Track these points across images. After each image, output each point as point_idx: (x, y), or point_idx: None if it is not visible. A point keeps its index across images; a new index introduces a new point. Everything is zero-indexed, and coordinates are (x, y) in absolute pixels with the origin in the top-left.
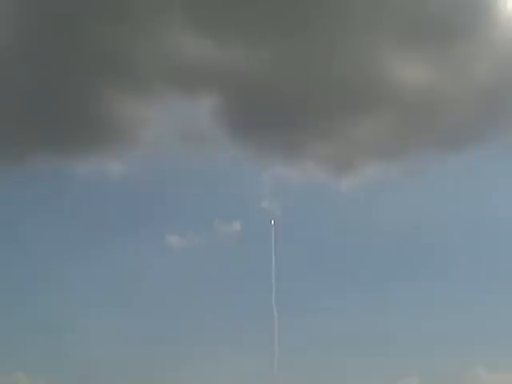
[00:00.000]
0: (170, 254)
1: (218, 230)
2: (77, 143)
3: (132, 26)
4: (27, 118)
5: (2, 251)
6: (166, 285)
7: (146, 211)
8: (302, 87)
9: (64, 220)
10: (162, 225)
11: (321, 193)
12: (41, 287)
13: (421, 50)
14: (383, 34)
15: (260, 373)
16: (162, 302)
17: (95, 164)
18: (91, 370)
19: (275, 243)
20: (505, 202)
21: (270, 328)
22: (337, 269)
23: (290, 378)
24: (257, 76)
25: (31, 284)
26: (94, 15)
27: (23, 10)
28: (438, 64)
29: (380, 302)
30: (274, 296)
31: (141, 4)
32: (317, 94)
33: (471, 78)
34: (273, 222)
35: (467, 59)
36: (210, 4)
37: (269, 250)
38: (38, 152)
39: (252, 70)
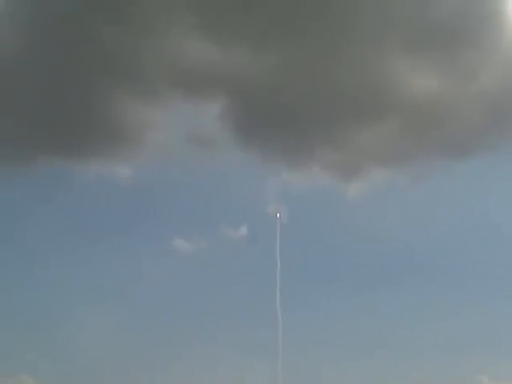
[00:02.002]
0: (176, 257)
1: (224, 234)
2: (84, 146)
3: (139, 30)
4: (35, 121)
5: (9, 252)
6: (173, 288)
7: (152, 214)
8: (308, 93)
9: (70, 222)
10: (168, 228)
11: (327, 198)
12: (46, 288)
13: (427, 57)
14: (390, 41)
15: (264, 374)
16: (167, 304)
17: (102, 167)
18: (96, 373)
19: (281, 248)
20: (510, 209)
21: (274, 331)
22: (343, 273)
23: (294, 380)
24: (263, 81)
25: (36, 285)
26: (101, 19)
27: (29, 13)
28: (445, 72)
29: (385, 307)
30: (279, 300)
31: (148, 8)
32: (323, 100)
33: (477, 85)
34: (278, 215)
35: (473, 67)
36: (216, 9)
37: (275, 254)
38: (45, 154)
39: (258, 75)
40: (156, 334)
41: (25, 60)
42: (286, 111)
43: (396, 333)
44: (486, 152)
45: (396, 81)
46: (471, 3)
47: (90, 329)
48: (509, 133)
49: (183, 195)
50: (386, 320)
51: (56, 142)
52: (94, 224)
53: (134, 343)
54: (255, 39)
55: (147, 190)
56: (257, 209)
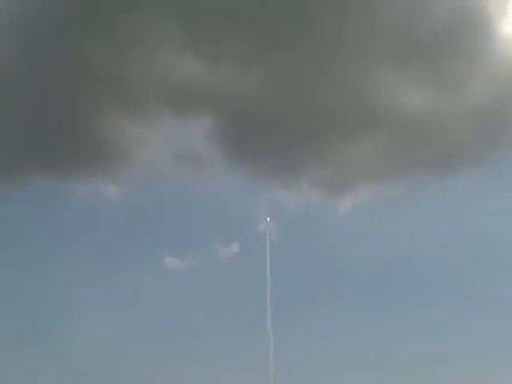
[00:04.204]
0: (167, 275)
1: (215, 251)
2: (74, 165)
3: (128, 48)
4: (23, 139)
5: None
6: (164, 305)
7: (143, 233)
8: (296, 109)
9: (60, 239)
10: (159, 246)
11: (317, 215)
12: (39, 309)
13: (415, 71)
14: (378, 55)
15: None
16: (159, 321)
17: (92, 186)
18: None
19: (272, 265)
20: (502, 222)
21: (265, 347)
22: (334, 290)
23: None
24: (252, 98)
25: (29, 306)
26: (90, 37)
27: (17, 30)
28: (433, 85)
29: (376, 322)
30: (270, 316)
31: (137, 26)
32: (312, 116)
33: (466, 98)
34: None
35: (463, 80)
36: (204, 26)
37: (265, 271)
38: (34, 173)
39: (247, 92)
40: (147, 351)
41: (12, 77)
42: (275, 128)
43: (388, 349)
44: (475, 165)
45: (384, 95)
46: (458, 16)
47: (83, 348)
48: (499, 145)
49: (173, 213)
50: (377, 336)
51: (45, 161)
52: (83, 242)
53: (126, 361)
54: (243, 56)
55: (137, 208)
56: (247, 226)
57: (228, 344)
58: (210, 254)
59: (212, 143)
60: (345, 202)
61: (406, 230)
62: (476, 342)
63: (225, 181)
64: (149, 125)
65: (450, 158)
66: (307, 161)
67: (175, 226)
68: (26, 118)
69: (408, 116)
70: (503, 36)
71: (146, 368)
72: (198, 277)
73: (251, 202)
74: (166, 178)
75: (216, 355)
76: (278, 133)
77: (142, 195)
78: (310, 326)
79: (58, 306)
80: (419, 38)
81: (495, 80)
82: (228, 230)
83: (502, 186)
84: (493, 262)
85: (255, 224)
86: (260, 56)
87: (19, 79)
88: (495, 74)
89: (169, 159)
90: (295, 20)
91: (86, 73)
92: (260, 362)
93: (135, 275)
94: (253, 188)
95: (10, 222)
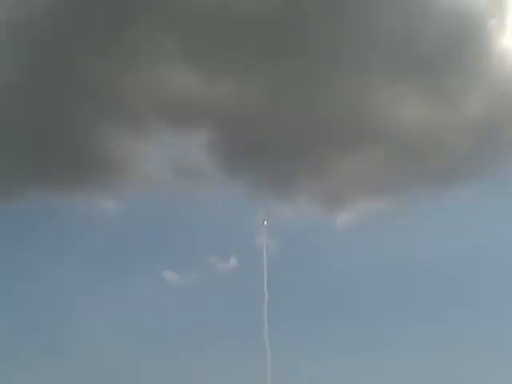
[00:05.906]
0: (166, 290)
1: (213, 265)
2: (71, 179)
3: (125, 61)
4: (21, 154)
5: None
6: (163, 321)
7: (141, 247)
8: (294, 123)
9: (58, 255)
10: (157, 261)
11: (315, 229)
12: (38, 327)
13: (414, 85)
14: (376, 69)
15: None
16: (158, 337)
17: (90, 200)
18: None
19: (270, 279)
20: (501, 236)
21: (262, 362)
22: (330, 304)
23: None
24: (250, 111)
25: (25, 322)
26: (88, 50)
27: (15, 48)
28: (431, 99)
29: (372, 336)
30: (267, 331)
31: (135, 40)
32: (310, 130)
33: (465, 113)
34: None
35: (460, 94)
36: (200, 38)
37: (263, 285)
38: (32, 188)
39: (243, 105)
40: (145, 364)
41: (9, 90)
42: (273, 141)
43: (387, 362)
44: (474, 179)
45: (382, 109)
46: (456, 31)
47: (84, 363)
48: (496, 159)
49: (171, 227)
50: (376, 350)
51: (42, 174)
52: (81, 256)
53: (123, 373)
54: (241, 69)
55: (135, 222)
56: (245, 240)
57: (225, 358)
58: (209, 268)
59: (209, 156)
60: (343, 215)
61: (404, 244)
62: (475, 355)
63: (222, 194)
64: (147, 138)
65: (448, 172)
66: (305, 174)
67: (173, 239)
68: (22, 131)
69: (406, 130)
70: (501, 50)
71: (143, 381)
72: (196, 291)
73: (249, 215)
74: (164, 192)
75: (213, 369)
76: (276, 146)
77: (139, 209)
78: (307, 341)
79: (56, 321)
80: (417, 52)
81: (493, 94)
82: (226, 244)
83: (501, 200)
84: (492, 276)
85: (253, 238)
86: (257, 69)
87: (16, 92)
88: (493, 88)
89: (167, 172)
90: (293, 33)
91: (84, 86)
92: (257, 377)
93: (134, 289)
94: (250, 202)
95: (7, 236)
